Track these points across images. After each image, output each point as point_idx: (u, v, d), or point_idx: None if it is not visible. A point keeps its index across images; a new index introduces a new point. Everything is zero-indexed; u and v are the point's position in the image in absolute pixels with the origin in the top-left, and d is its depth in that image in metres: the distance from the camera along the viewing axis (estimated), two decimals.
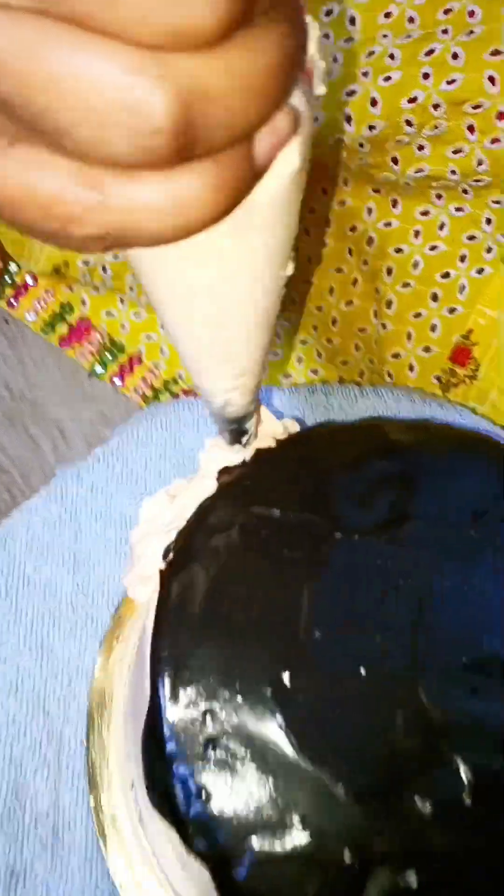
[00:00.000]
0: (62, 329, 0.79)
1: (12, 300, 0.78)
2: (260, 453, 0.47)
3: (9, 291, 0.79)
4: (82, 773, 0.50)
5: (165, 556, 0.44)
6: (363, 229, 0.71)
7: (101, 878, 0.48)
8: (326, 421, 0.49)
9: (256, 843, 0.39)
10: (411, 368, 0.73)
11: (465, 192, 0.66)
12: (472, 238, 0.68)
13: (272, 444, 0.47)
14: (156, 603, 0.43)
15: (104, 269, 0.75)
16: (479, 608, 0.44)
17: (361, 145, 0.64)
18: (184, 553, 0.44)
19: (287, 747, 0.40)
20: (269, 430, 0.47)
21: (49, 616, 0.53)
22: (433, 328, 0.72)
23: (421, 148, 0.64)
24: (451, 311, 0.71)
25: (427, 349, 0.72)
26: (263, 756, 0.40)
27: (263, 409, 0.47)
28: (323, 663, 0.42)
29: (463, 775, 0.40)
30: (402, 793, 0.40)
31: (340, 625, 0.43)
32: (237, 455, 0.45)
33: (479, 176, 0.64)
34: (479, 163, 0.63)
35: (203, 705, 0.41)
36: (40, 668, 0.52)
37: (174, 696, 0.41)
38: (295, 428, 0.48)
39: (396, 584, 0.44)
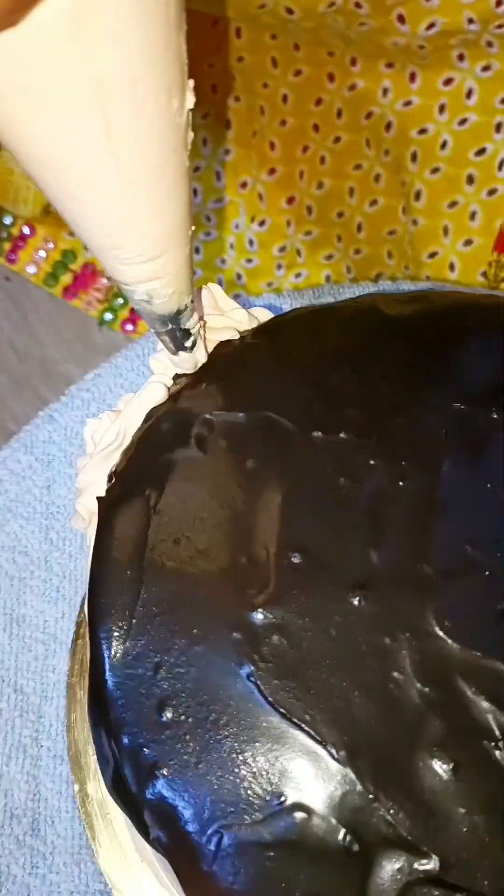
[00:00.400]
0: (66, 278, 0.72)
1: (11, 254, 0.72)
2: (221, 348, 0.38)
3: (6, 246, 0.72)
4: (64, 757, 0.42)
5: (109, 482, 0.36)
6: (380, 114, 0.61)
7: (92, 878, 0.40)
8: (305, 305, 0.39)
9: (228, 828, 0.29)
10: (452, 268, 0.63)
11: (489, 44, 0.55)
12: None
13: (235, 336, 0.38)
14: (93, 540, 0.34)
15: None
16: (497, 503, 0.33)
17: (358, 5, 0.54)
18: (127, 476, 0.35)
19: (260, 704, 0.31)
20: (233, 321, 0.38)
21: (18, 580, 0.45)
22: (472, 216, 0.61)
23: None
24: (492, 192, 0.60)
25: (468, 242, 0.62)
26: (231, 717, 0.31)
27: (219, 293, 0.38)
28: (304, 593, 0.32)
29: (493, 724, 0.30)
30: (414, 753, 0.30)
31: (324, 544, 0.33)
32: (187, 362, 0.37)
33: (501, 19, 0.53)
34: (498, 2, 0.53)
35: (152, 659, 0.32)
36: (10, 639, 0.44)
37: (117, 651, 0.32)
38: (265, 316, 0.39)
39: (394, 487, 0.34)
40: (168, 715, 0.32)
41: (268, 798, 0.30)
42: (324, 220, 0.68)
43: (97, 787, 0.42)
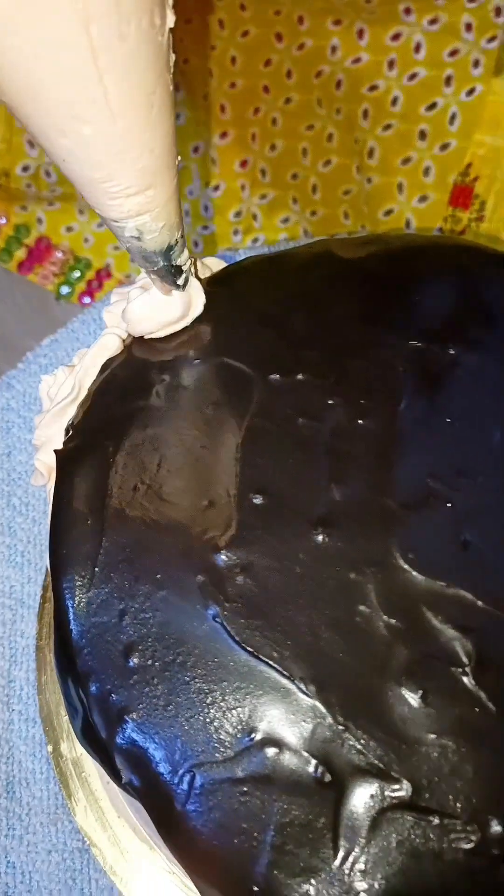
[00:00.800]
0: (20, 253, 0.71)
1: None
2: None
3: None
4: (36, 719, 0.42)
5: (67, 435, 0.35)
6: (330, 72, 0.61)
7: (70, 836, 0.40)
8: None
9: (199, 767, 0.29)
10: (408, 224, 0.63)
11: None
12: (454, 53, 0.57)
13: None
14: (53, 492, 0.34)
15: (48, 173, 0.67)
16: (455, 436, 0.33)
17: None
18: (84, 428, 0.35)
19: (227, 644, 0.31)
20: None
21: None
22: (426, 171, 0.61)
23: None
24: (444, 147, 0.60)
25: (423, 198, 0.62)
26: (198, 658, 0.31)
27: None
28: (268, 532, 0.32)
29: (459, 650, 0.30)
30: (383, 683, 0.30)
31: (285, 484, 0.33)
32: (167, 308, 0.37)
33: None
34: None
35: (117, 606, 0.32)
36: None
37: (81, 601, 0.32)
38: (218, 265, 0.39)
39: (353, 425, 0.34)
40: (135, 660, 0.31)
41: (238, 735, 0.30)
42: (278, 183, 0.67)
43: (70, 747, 0.42)
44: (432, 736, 0.29)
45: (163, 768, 0.30)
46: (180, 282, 0.37)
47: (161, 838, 0.30)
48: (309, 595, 0.32)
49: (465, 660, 0.30)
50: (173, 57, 0.29)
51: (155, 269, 0.35)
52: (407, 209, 0.63)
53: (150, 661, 0.31)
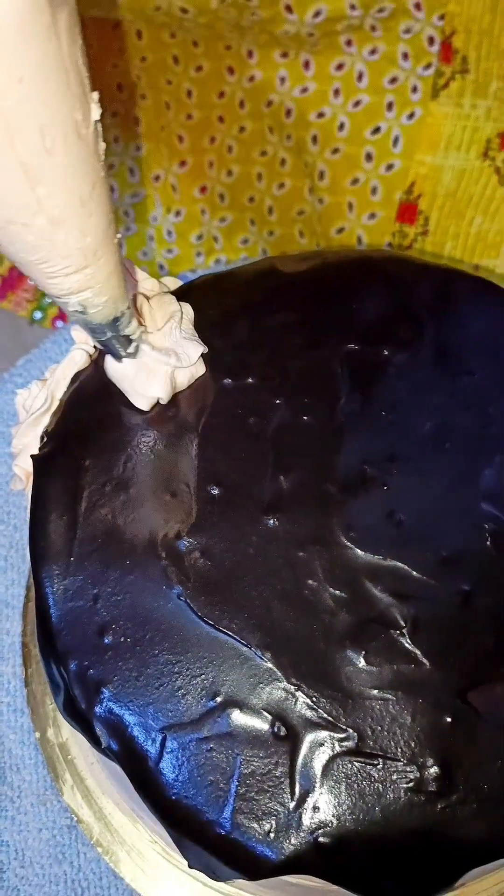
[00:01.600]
0: None
1: None
2: None
3: None
4: (24, 710, 0.45)
5: (42, 442, 0.39)
6: (279, 102, 0.65)
7: (60, 815, 0.44)
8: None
9: (169, 729, 0.34)
10: (359, 241, 0.67)
11: (373, 28, 0.60)
12: (393, 80, 0.62)
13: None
14: (30, 493, 0.38)
15: None
16: (389, 426, 0.38)
17: None
18: (57, 434, 0.39)
19: (190, 619, 0.35)
20: (145, 289, 0.42)
21: None
22: (373, 191, 0.66)
23: None
24: (389, 167, 0.65)
25: (372, 215, 0.67)
26: (165, 634, 0.35)
27: (132, 266, 0.42)
28: (223, 519, 0.37)
29: (397, 615, 0.34)
30: (329, 647, 0.34)
31: (238, 476, 0.37)
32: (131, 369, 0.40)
33: (381, 3, 0.58)
34: None
35: (90, 591, 0.36)
36: None
37: (58, 588, 0.36)
38: (174, 284, 0.43)
39: (297, 421, 0.38)
40: (108, 638, 0.36)
41: (203, 699, 0.34)
42: (236, 206, 0.72)
43: (56, 733, 0.45)
44: (375, 691, 0.34)
45: (137, 732, 0.34)
46: (130, 350, 0.38)
47: (139, 796, 0.34)
48: (262, 572, 0.36)
49: (402, 623, 0.35)
50: (103, 146, 0.30)
51: (103, 339, 0.37)
52: (357, 226, 0.67)
53: (122, 639, 0.35)
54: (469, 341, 0.42)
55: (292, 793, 0.33)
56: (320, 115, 0.65)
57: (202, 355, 0.40)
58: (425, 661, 0.34)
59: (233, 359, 0.41)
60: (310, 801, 0.33)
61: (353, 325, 0.42)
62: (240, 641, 0.35)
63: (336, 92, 0.64)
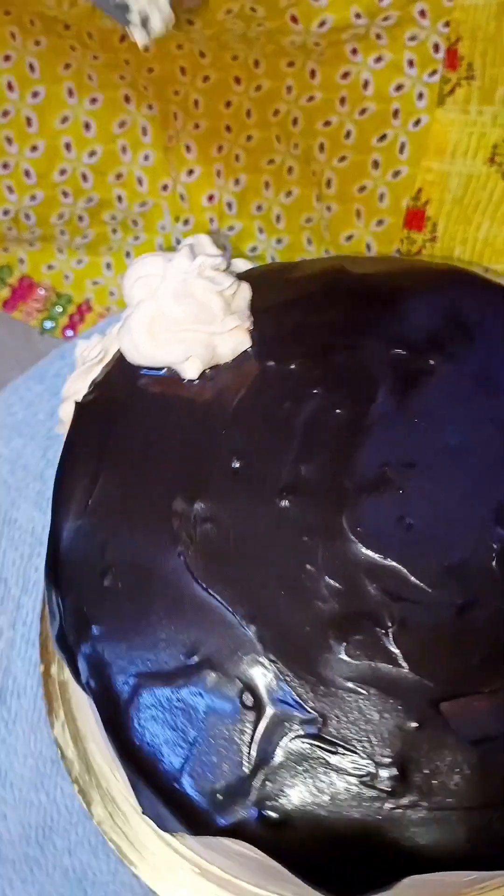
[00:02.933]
0: (4, 292, 0.77)
1: None
2: None
3: None
4: (36, 643, 0.48)
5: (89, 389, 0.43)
6: (286, 111, 0.67)
7: (47, 747, 0.48)
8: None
9: (143, 677, 0.36)
10: (368, 248, 0.68)
11: (378, 37, 0.61)
12: (399, 88, 0.63)
13: None
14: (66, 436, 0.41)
15: (27, 216, 0.73)
16: (418, 433, 0.40)
17: (254, 10, 0.59)
18: (102, 386, 0.42)
19: (187, 578, 0.37)
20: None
21: (15, 489, 0.54)
22: (381, 198, 0.67)
23: None
24: (396, 174, 0.66)
25: (380, 222, 0.67)
26: (160, 588, 0.37)
27: (207, 243, 0.44)
28: (238, 492, 0.39)
29: (385, 614, 0.36)
30: (313, 632, 0.36)
31: (262, 454, 0.40)
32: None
33: (386, 12, 0.58)
34: None
35: (100, 535, 0.39)
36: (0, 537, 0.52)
37: (72, 525, 0.39)
38: (244, 265, 0.45)
39: (329, 413, 0.41)
40: (107, 581, 0.37)
41: (181, 655, 0.36)
42: (244, 214, 0.73)
43: (60, 670, 0.48)
44: (349, 683, 0.35)
45: (114, 673, 0.36)
46: (132, 18, 0.35)
47: (106, 734, 0.36)
48: (264, 549, 0.38)
49: (389, 623, 0.36)
50: None
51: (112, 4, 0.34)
52: (366, 233, 0.68)
53: (120, 584, 0.37)
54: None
55: (248, 762, 0.34)
56: (327, 123, 0.66)
57: (250, 333, 0.42)
58: (404, 663, 0.35)
59: (280, 344, 0.43)
60: (262, 774, 0.34)
61: (404, 331, 0.44)
62: (227, 608, 0.36)
63: (342, 100, 0.65)
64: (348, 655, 0.35)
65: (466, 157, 0.64)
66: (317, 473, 0.39)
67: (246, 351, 0.43)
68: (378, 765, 0.34)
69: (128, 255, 0.78)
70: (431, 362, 0.43)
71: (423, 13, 0.59)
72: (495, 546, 0.37)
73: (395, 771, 0.33)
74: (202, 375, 0.42)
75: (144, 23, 0.37)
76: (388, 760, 0.34)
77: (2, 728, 0.49)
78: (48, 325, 0.77)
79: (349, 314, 0.45)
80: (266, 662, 0.35)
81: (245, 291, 0.44)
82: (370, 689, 0.35)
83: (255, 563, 0.37)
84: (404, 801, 0.33)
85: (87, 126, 0.70)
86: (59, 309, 0.77)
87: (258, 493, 0.39)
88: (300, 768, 0.34)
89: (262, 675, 0.35)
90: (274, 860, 0.33)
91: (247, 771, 0.34)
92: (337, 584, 0.37)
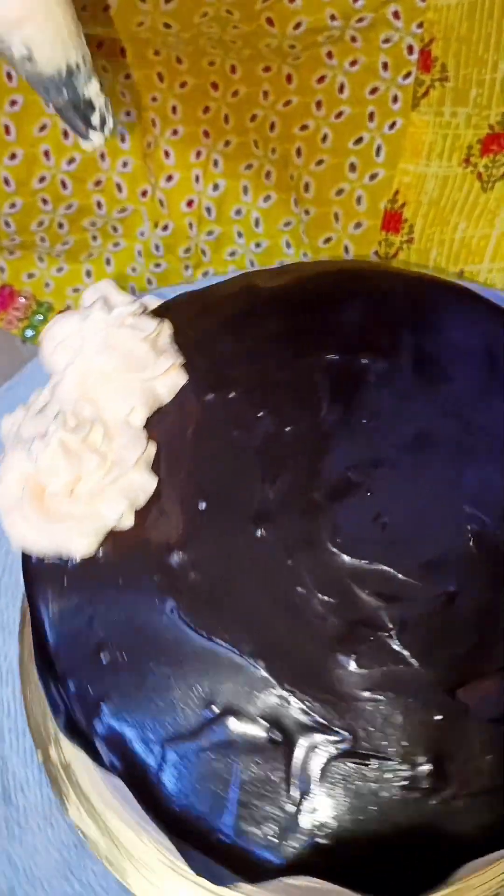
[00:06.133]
0: None
1: None
2: None
3: None
4: (25, 731, 0.46)
5: None
6: (263, 115, 0.66)
7: (66, 834, 0.45)
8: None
9: (168, 742, 0.35)
10: (346, 250, 0.68)
11: (353, 40, 0.60)
12: (374, 91, 0.63)
13: None
14: None
15: (7, 224, 0.72)
16: (373, 433, 0.38)
17: (229, 12, 0.58)
18: None
19: (184, 632, 0.36)
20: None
21: None
22: (358, 200, 0.66)
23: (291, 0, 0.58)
24: (373, 177, 0.66)
25: (358, 225, 0.67)
26: (161, 648, 0.36)
27: (110, 288, 0.42)
28: (212, 532, 0.37)
29: (385, 617, 0.34)
30: (321, 652, 0.35)
31: (225, 489, 0.38)
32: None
33: (360, 14, 0.58)
34: None
35: (86, 612, 0.37)
36: None
37: (53, 611, 0.37)
38: (154, 303, 0.43)
39: (281, 432, 0.39)
40: (105, 657, 0.36)
41: (199, 709, 0.35)
42: (223, 219, 0.72)
43: (59, 751, 0.46)
44: (366, 692, 0.34)
45: (138, 747, 0.35)
46: (94, 120, 0.35)
47: (142, 809, 0.35)
48: (252, 582, 0.37)
49: (389, 625, 0.35)
50: None
51: (62, 102, 0.33)
52: (344, 236, 0.68)
53: (118, 656, 0.36)
54: (448, 348, 0.43)
55: (290, 796, 0.33)
56: (304, 127, 0.66)
57: (183, 367, 0.40)
58: (414, 661, 0.35)
59: (214, 374, 0.42)
60: (308, 804, 0.33)
61: (331, 335, 0.43)
62: (233, 651, 0.35)
63: (318, 104, 0.65)
64: (360, 666, 0.35)
65: (442, 159, 0.64)
66: (284, 494, 0.38)
67: (183, 388, 0.41)
68: (414, 765, 0.33)
69: (108, 262, 0.77)
70: (365, 361, 0.42)
71: (396, 14, 0.58)
72: (469, 527, 0.37)
73: (431, 767, 0.33)
74: (148, 423, 0.40)
75: (102, 123, 0.36)
76: (422, 758, 0.34)
77: (15, 829, 0.46)
78: (29, 333, 0.76)
79: (272, 330, 0.44)
80: (284, 694, 0.35)
81: (166, 328, 0.42)
82: (388, 694, 0.34)
83: (248, 599, 0.36)
84: (446, 793, 0.33)
85: (66, 134, 0.69)
86: (39, 317, 0.76)
87: (232, 529, 0.38)
88: (342, 789, 0.33)
89: (284, 707, 0.35)
90: (336, 885, 0.33)
91: (292, 806, 0.33)
92: (330, 599, 0.36)
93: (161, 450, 0.40)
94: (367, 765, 0.33)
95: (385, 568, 0.36)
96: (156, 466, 0.39)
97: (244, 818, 0.33)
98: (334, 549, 0.37)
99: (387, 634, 0.35)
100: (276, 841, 0.33)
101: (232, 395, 0.41)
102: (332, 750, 0.34)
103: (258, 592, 0.36)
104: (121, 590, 0.37)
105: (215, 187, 0.72)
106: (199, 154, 0.70)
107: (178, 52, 0.65)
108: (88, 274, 0.77)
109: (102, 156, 0.72)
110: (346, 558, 0.37)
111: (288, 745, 0.34)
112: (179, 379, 0.41)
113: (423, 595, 0.36)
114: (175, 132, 0.70)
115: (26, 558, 0.39)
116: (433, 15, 0.58)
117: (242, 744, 0.34)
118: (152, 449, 0.39)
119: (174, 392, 0.41)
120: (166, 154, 0.71)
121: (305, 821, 0.33)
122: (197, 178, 0.72)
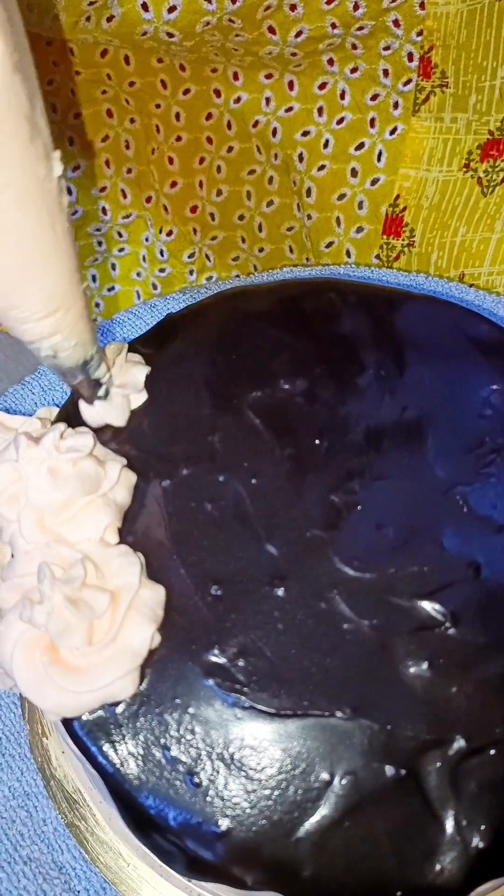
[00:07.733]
0: None
1: None
2: None
3: None
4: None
5: None
6: (266, 122, 0.66)
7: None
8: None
9: (304, 829, 0.33)
10: (348, 254, 0.68)
11: (354, 47, 0.61)
12: (375, 97, 0.63)
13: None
14: None
15: None
16: (345, 454, 0.40)
17: (231, 21, 0.59)
18: None
19: (264, 719, 0.34)
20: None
21: None
22: (360, 205, 0.67)
23: (293, 8, 0.58)
24: (374, 182, 0.66)
25: (359, 229, 0.67)
26: (250, 745, 0.34)
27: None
28: (238, 612, 0.36)
29: (434, 613, 0.36)
30: (392, 669, 0.35)
31: (230, 563, 0.37)
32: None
33: (360, 22, 0.58)
34: (356, 7, 0.58)
35: (158, 743, 0.34)
36: None
37: (121, 757, 0.34)
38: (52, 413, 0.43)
39: (250, 488, 0.39)
40: (201, 778, 0.33)
41: (315, 785, 0.33)
42: (227, 224, 0.72)
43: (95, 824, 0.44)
44: (454, 689, 0.34)
45: (277, 849, 0.32)
46: (101, 393, 0.39)
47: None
48: (299, 640, 0.35)
49: (441, 619, 0.35)
50: (66, 199, 0.31)
51: (75, 382, 0.38)
52: (346, 240, 0.68)
53: (212, 771, 0.34)
54: (410, 349, 0.43)
55: (439, 820, 0.33)
56: (305, 133, 0.66)
57: (127, 465, 0.39)
58: (477, 641, 0.35)
59: (157, 458, 0.40)
60: (458, 820, 0.32)
61: (252, 371, 0.43)
62: (320, 715, 0.34)
63: (320, 110, 0.65)
64: (436, 668, 0.35)
65: (442, 164, 0.64)
66: (286, 544, 0.37)
67: (137, 484, 0.39)
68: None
69: (113, 267, 0.78)
70: (286, 387, 0.42)
71: (396, 22, 0.59)
72: (459, 500, 0.38)
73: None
74: (120, 533, 0.38)
75: (106, 394, 0.40)
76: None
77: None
78: None
79: (196, 381, 0.43)
80: (386, 731, 0.34)
81: (90, 437, 0.40)
82: (473, 683, 0.35)
83: (303, 658, 0.35)
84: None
85: (71, 141, 0.70)
86: None
87: (254, 599, 0.36)
88: (478, 789, 0.33)
89: (390, 743, 0.34)
90: None
91: (447, 828, 0.33)
92: (377, 621, 0.35)
93: (149, 554, 0.37)
94: (487, 755, 0.33)
95: (410, 569, 0.36)
96: (152, 573, 0.37)
97: (408, 863, 0.32)
98: (356, 574, 0.36)
99: (444, 628, 0.35)
100: (445, 871, 0.32)
101: (184, 472, 0.40)
102: (453, 758, 0.33)
103: (309, 647, 0.35)
104: (183, 708, 0.34)
105: (219, 193, 0.72)
106: (202, 160, 0.71)
107: (180, 59, 0.66)
108: (94, 279, 0.78)
109: (108, 162, 0.72)
110: (370, 576, 0.36)
111: (412, 775, 0.33)
112: (131, 476, 0.39)
113: (453, 577, 0.36)
114: (179, 139, 0.70)
115: (67, 723, 0.35)
116: (433, 23, 0.59)
117: (371, 796, 0.33)
118: (142, 558, 0.36)
119: (131, 492, 0.39)
120: (170, 160, 0.71)
121: (464, 836, 0.32)
122: (201, 184, 0.72)
